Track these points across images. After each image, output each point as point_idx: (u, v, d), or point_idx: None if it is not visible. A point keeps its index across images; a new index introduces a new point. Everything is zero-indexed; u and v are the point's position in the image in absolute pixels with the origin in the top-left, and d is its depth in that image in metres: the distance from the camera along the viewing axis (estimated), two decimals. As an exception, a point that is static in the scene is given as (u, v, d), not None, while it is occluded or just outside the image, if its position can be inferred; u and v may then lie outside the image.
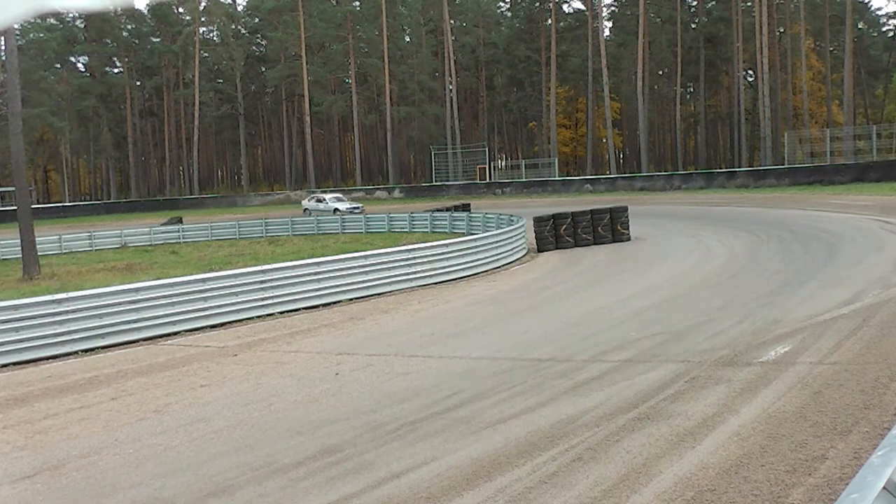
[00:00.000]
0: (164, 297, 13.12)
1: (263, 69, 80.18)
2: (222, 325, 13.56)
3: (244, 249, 29.84)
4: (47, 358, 11.62)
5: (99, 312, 12.32)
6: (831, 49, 68.50)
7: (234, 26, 79.15)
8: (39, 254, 24.38)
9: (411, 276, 16.82)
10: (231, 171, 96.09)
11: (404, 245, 18.73)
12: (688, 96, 75.18)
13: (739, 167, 55.84)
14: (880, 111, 72.25)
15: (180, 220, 43.34)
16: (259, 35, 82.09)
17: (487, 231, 23.72)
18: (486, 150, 64.01)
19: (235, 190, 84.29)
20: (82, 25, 75.21)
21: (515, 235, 21.31)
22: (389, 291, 16.16)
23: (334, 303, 15.15)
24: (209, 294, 13.67)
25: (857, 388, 7.28)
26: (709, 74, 69.28)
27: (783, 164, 48.98)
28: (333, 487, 5.77)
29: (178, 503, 5.81)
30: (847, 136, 49.36)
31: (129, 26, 79.66)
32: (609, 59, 66.33)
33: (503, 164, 71.98)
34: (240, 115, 75.96)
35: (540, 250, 22.26)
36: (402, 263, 16.81)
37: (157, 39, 79.96)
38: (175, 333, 12.95)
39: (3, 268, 26.99)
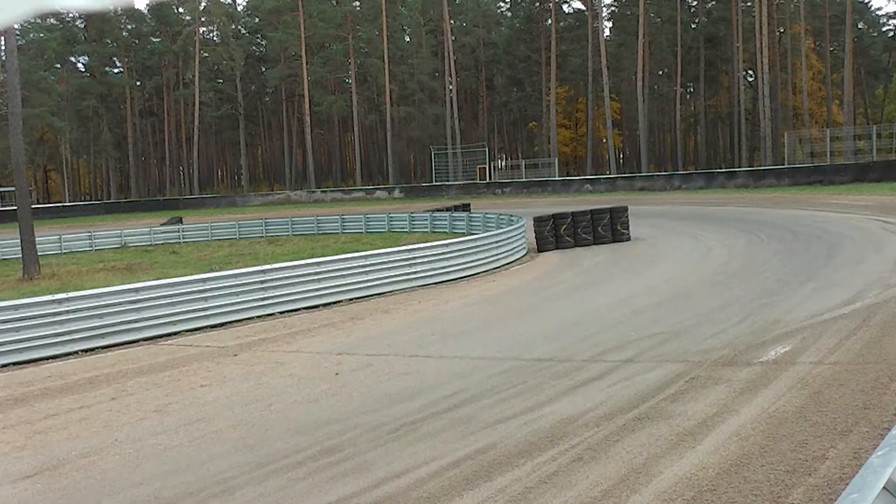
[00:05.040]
0: (165, 297, 13.12)
1: (263, 69, 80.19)
2: (222, 325, 13.56)
3: (244, 249, 29.84)
4: (47, 358, 11.62)
5: (99, 312, 12.32)
6: (831, 49, 68.50)
7: (234, 26, 79.13)
8: (39, 254, 24.38)
9: (411, 276, 16.82)
10: (231, 171, 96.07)
11: (404, 245, 18.73)
12: (688, 96, 75.17)
13: (739, 167, 55.81)
14: (880, 111, 72.26)
15: (180, 220, 43.35)
16: (259, 35, 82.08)
17: (487, 231, 23.72)
18: (486, 150, 64.00)
19: (235, 190, 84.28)
20: (82, 25, 75.21)
21: (515, 235, 21.31)
22: (390, 291, 16.16)
23: (334, 303, 15.16)
24: (209, 294, 13.67)
25: (857, 388, 7.28)
26: (709, 74, 69.29)
27: (783, 164, 48.98)
28: (333, 487, 5.77)
29: (177, 503, 5.80)
30: (847, 136, 49.37)
31: (129, 26, 79.67)
32: (609, 59, 66.32)
33: (503, 164, 71.98)
34: (240, 115, 75.96)
35: (540, 250, 22.26)
36: (402, 263, 16.81)
37: (157, 39, 79.96)
38: (175, 333, 12.95)
39: (3, 268, 26.99)
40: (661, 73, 76.22)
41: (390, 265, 16.58)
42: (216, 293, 13.76)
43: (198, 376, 10.00)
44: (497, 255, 19.60)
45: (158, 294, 13.10)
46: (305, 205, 60.40)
